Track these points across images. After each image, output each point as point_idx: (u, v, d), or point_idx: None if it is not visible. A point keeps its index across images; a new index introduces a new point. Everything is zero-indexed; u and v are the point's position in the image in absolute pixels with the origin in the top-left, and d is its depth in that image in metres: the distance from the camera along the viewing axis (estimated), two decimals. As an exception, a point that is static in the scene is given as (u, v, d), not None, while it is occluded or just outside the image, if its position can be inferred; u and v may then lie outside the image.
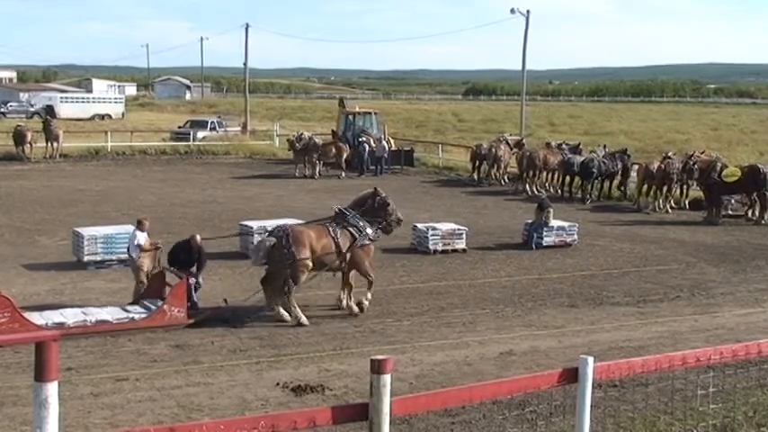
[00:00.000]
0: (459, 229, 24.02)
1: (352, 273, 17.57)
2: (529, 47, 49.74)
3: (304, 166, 40.90)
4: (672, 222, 29.83)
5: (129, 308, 16.56)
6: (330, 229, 17.42)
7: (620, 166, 35.34)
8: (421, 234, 23.73)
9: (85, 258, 20.74)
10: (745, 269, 22.37)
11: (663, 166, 32.60)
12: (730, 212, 31.36)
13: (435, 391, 8.10)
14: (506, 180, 39.04)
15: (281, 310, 16.63)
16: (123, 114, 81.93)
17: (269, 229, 19.30)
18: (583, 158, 35.15)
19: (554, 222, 24.64)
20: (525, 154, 36.96)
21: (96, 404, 11.59)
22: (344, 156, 41.35)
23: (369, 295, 17.52)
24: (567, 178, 35.73)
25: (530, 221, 24.83)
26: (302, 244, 16.78)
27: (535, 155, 36.37)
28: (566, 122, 75.19)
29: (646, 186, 33.10)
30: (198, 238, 18.02)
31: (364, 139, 43.25)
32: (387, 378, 6.27)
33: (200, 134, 53.87)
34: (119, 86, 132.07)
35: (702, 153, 34.68)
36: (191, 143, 51.30)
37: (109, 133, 50.59)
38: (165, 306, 16.08)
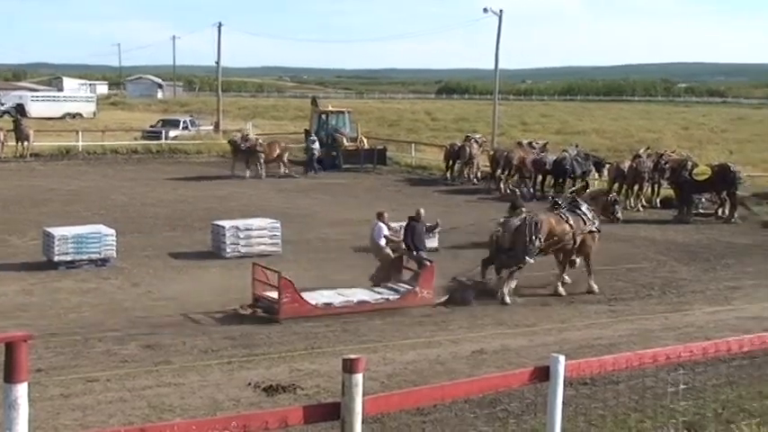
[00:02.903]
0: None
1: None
2: (502, 46, 49.83)
3: (246, 166, 39.83)
4: (643, 221, 29.98)
5: (378, 289, 18.27)
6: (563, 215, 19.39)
7: (591, 165, 35.52)
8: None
9: (56, 258, 20.58)
10: (716, 267, 22.53)
11: (634, 164, 32.78)
12: (701, 211, 31.55)
13: (407, 390, 8.10)
14: (478, 179, 39.12)
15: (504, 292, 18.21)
16: (95, 113, 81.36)
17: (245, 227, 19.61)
18: (555, 157, 35.27)
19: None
20: (501, 153, 37.03)
21: (66, 405, 11.51)
22: (287, 155, 41.11)
23: (592, 282, 19.45)
24: (540, 177, 35.85)
25: (501, 221, 24.82)
26: (543, 232, 18.57)
27: (511, 154, 36.41)
28: (538, 122, 75.40)
29: (617, 185, 33.25)
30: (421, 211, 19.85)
31: (314, 138, 43.18)
32: (359, 377, 6.27)
33: (172, 133, 53.65)
34: (90, 85, 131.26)
35: (673, 152, 34.94)
36: (162, 142, 51.12)
37: (80, 132, 50.30)
38: (416, 288, 17.87)
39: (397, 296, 17.95)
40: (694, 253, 24.32)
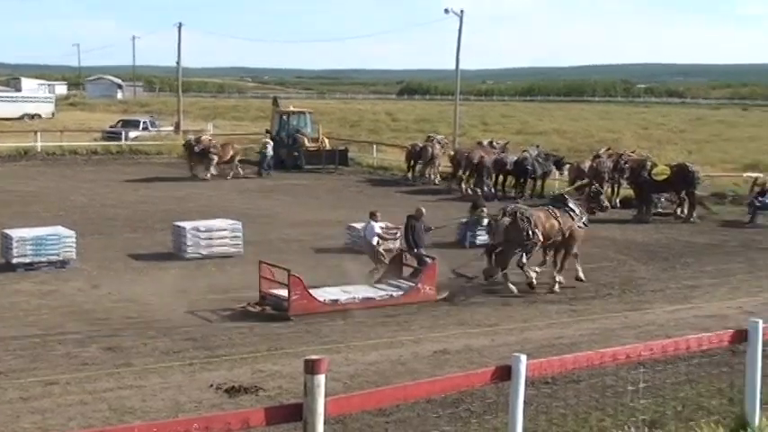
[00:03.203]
0: (393, 229, 24.04)
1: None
2: (463, 47, 49.98)
3: (196, 167, 39.62)
4: (603, 220, 30.08)
5: (380, 286, 18.65)
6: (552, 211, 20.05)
7: (552, 166, 35.75)
8: (356, 234, 23.70)
9: (14, 260, 20.37)
10: (675, 266, 22.74)
11: (594, 164, 33.00)
12: (660, 210, 31.81)
13: (369, 391, 8.11)
14: (439, 179, 39.21)
15: (509, 283, 19.15)
16: (53, 114, 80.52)
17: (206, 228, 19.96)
18: (516, 158, 35.42)
19: (485, 221, 24.77)
20: (462, 154, 37.13)
21: (26, 408, 11.40)
22: (239, 156, 40.82)
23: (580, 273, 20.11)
24: (501, 177, 35.99)
25: (464, 220, 24.96)
26: (536, 224, 19.21)
27: (472, 155, 36.49)
28: (499, 122, 75.63)
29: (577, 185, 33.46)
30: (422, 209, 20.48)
31: (267, 139, 43.04)
32: (321, 378, 6.27)
33: (132, 134, 53.32)
34: (49, 85, 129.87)
35: (633, 152, 35.22)
36: (122, 143, 50.79)
37: (39, 133, 49.79)
38: (419, 284, 18.30)
39: (400, 293, 18.38)
40: (654, 252, 24.53)
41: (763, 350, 9.22)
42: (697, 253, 24.61)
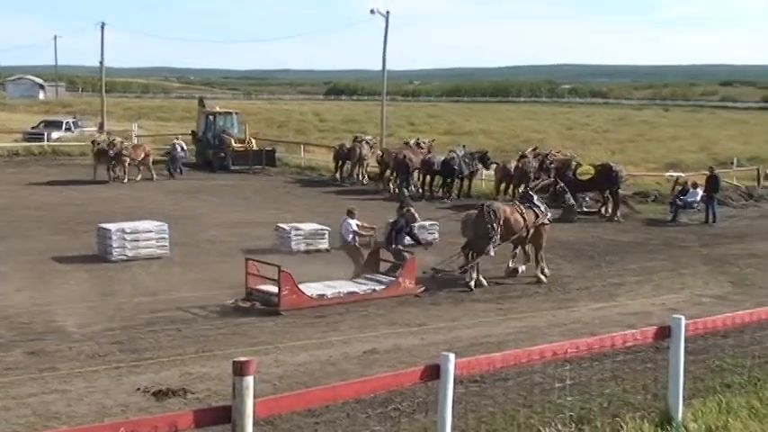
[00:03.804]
0: (321, 229, 24.08)
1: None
2: (389, 47, 50.03)
3: (112, 170, 38.76)
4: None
5: (362, 281, 19.19)
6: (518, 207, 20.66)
7: (479, 165, 35.99)
8: (284, 234, 23.66)
9: (-66, 264, 19.92)
10: (599, 264, 23.05)
11: (520, 164, 33.31)
12: (584, 209, 32.21)
13: (299, 392, 8.10)
14: (367, 179, 39.27)
15: (481, 278, 19.81)
16: (-28, 114, 79.02)
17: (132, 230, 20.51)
18: (444, 157, 35.60)
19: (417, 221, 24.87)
20: (390, 154, 37.22)
21: (-53, 415, 11.15)
22: (152, 158, 40.29)
23: (539, 273, 20.55)
24: (428, 177, 36.13)
25: (391, 220, 24.98)
26: (499, 219, 19.81)
27: (400, 155, 36.58)
28: (426, 122, 75.99)
29: (504, 185, 33.78)
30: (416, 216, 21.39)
31: (177, 141, 42.66)
32: (249, 380, 6.25)
33: (55, 135, 52.54)
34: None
35: (558, 152, 35.63)
36: (45, 144, 49.99)
37: (-43, 134, 48.80)
38: (400, 278, 18.94)
39: (382, 287, 18.88)
40: (579, 251, 24.84)
41: (686, 346, 9.40)
42: (621, 251, 24.98)
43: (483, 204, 20.72)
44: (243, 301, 17.66)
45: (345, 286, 18.81)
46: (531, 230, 20.59)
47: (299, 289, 17.60)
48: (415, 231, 21.43)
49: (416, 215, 23.56)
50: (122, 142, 40.53)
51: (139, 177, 39.05)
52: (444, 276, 20.33)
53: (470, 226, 20.22)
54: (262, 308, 17.36)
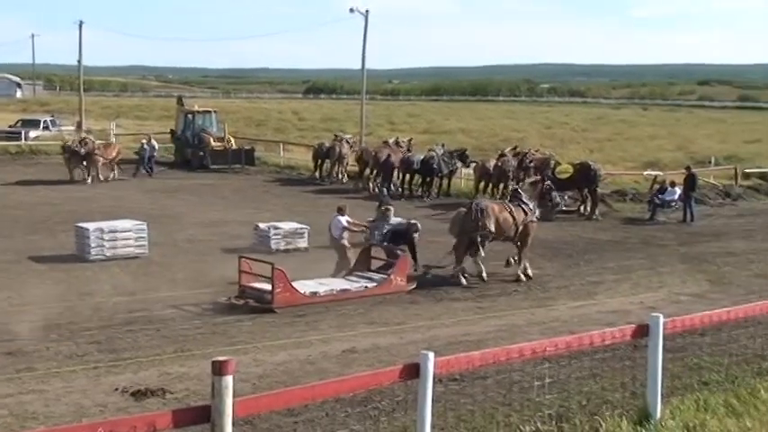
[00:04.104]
0: (300, 228, 24.07)
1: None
2: (368, 46, 50.05)
3: (84, 170, 38.38)
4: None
5: (354, 278, 19.33)
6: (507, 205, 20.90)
7: (458, 164, 36.02)
8: (263, 233, 23.62)
9: None
10: (578, 263, 23.13)
11: (499, 163, 33.38)
12: (563, 208, 32.29)
13: (278, 391, 8.08)
14: (347, 178, 39.25)
15: (461, 275, 19.96)
16: (-52, 113, 78.41)
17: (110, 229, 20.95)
18: (423, 156, 35.61)
19: (394, 220, 24.85)
20: (369, 153, 37.22)
21: (-77, 416, 11.07)
22: (119, 157, 39.98)
23: (521, 271, 20.71)
24: (408, 176, 36.14)
25: (370, 219, 24.99)
26: (489, 216, 19.95)
27: (379, 154, 36.57)
28: (405, 121, 75.97)
29: (483, 184, 33.84)
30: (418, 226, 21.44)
31: (145, 141, 42.37)
32: (228, 379, 6.23)
33: (33, 134, 52.22)
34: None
35: (537, 151, 35.74)
36: (22, 143, 49.69)
37: (-67, 133, 48.43)
38: (391, 276, 19.06)
39: (374, 284, 19.03)
40: (558, 249, 24.90)
41: (664, 344, 9.44)
42: (600, 250, 25.08)
43: (472, 202, 20.88)
44: (236, 298, 17.73)
45: (338, 284, 18.96)
46: (521, 228, 20.73)
47: (293, 286, 17.71)
48: (415, 242, 21.26)
49: (391, 215, 23.63)
50: (94, 141, 40.01)
51: (112, 177, 38.70)
52: (434, 274, 20.43)
53: (458, 224, 20.30)
54: (255, 305, 17.44)
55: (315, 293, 18.13)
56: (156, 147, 42.54)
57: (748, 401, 9.91)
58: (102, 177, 38.23)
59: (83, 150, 38.22)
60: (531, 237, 21.25)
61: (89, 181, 37.73)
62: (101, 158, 38.41)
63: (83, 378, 12.82)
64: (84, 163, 38.34)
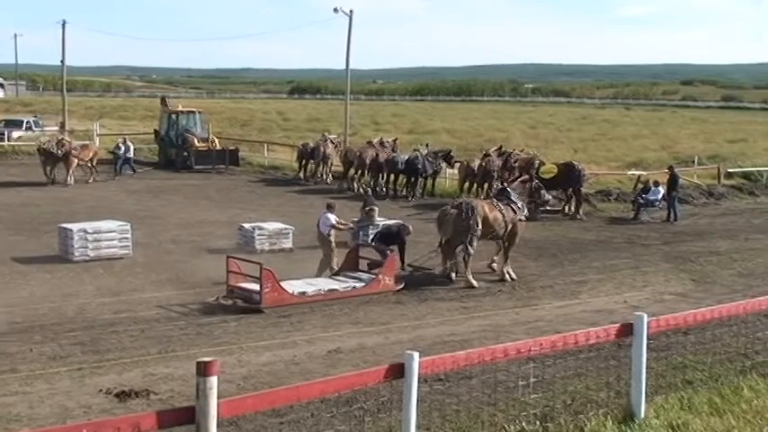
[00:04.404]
0: (285, 229, 24.05)
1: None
2: (353, 46, 50.00)
3: (57, 172, 37.68)
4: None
5: (342, 278, 19.36)
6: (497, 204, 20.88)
7: (443, 164, 36.06)
8: (247, 234, 23.59)
9: None
10: (563, 263, 23.18)
11: (483, 163, 33.41)
12: (548, 208, 32.32)
13: (262, 392, 8.07)
14: (332, 179, 39.23)
15: (453, 272, 20.09)
16: (-70, 114, 77.96)
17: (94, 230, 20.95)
18: (407, 156, 35.63)
19: (379, 220, 24.87)
20: (353, 153, 37.21)
21: None
22: (97, 158, 39.36)
23: (507, 270, 20.81)
24: (392, 176, 36.15)
25: (355, 219, 24.99)
26: (479, 215, 19.96)
27: (364, 154, 36.57)
28: (390, 121, 75.91)
29: (467, 184, 33.87)
30: (410, 229, 21.35)
31: (121, 142, 42.09)
32: (213, 380, 6.22)
33: (15, 134, 51.96)
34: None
35: (522, 151, 35.79)
36: (5, 143, 49.45)
37: None
38: (380, 276, 19.13)
39: (362, 284, 19.08)
40: (542, 249, 24.95)
41: (648, 343, 9.48)
42: (584, 249, 25.13)
43: (462, 202, 20.84)
44: (224, 298, 17.71)
45: (326, 284, 18.97)
46: (510, 227, 20.79)
47: (281, 286, 17.72)
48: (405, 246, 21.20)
49: (376, 215, 23.66)
50: (71, 143, 39.34)
51: (91, 179, 38.18)
52: (419, 274, 20.49)
53: (450, 224, 20.18)
54: (243, 306, 17.44)
55: (303, 293, 18.14)
56: (132, 147, 41.99)
57: (732, 400, 9.96)
58: (71, 180, 37.32)
59: (60, 152, 37.54)
60: (519, 236, 21.33)
61: (70, 182, 37.23)
62: (76, 160, 37.70)
63: (67, 379, 12.77)
64: (62, 164, 37.63)
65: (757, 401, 9.90)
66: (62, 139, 40.23)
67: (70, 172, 37.53)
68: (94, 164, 38.77)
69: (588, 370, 11.46)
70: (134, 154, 42.19)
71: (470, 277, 19.95)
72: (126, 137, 43.90)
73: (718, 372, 11.33)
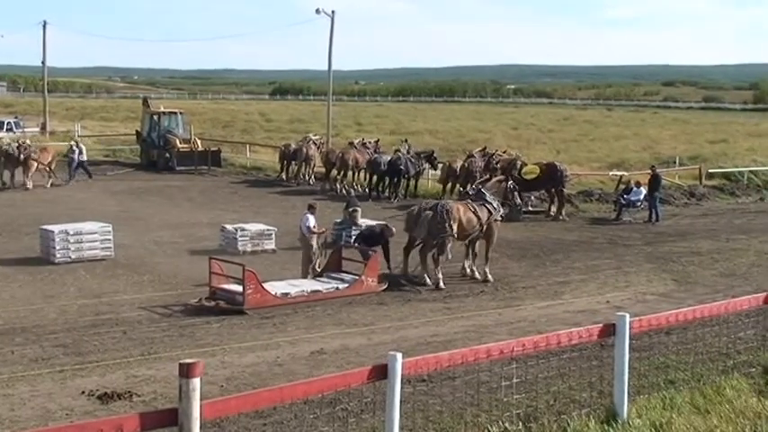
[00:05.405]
0: (268, 230, 24.01)
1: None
2: (335, 47, 49.99)
3: (15, 175, 36.75)
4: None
5: (325, 280, 19.35)
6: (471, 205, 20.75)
7: (426, 165, 36.08)
8: (230, 235, 23.53)
9: None
10: (545, 263, 23.22)
11: (466, 164, 33.44)
12: (530, 209, 32.41)
13: (246, 393, 8.06)
14: (314, 180, 39.19)
15: (425, 275, 20.02)
16: None
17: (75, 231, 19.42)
18: (390, 157, 35.63)
19: (362, 221, 24.87)
20: (336, 154, 37.21)
21: None
22: (56, 161, 38.12)
23: (487, 270, 20.82)
24: (375, 177, 36.14)
25: (338, 221, 24.98)
26: (454, 218, 19.88)
27: (346, 155, 36.56)
28: (372, 122, 75.99)
29: (450, 184, 33.90)
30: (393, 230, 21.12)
31: (73, 144, 41.13)
32: (196, 382, 6.21)
33: (-4, 135, 51.69)
34: None
35: (504, 152, 35.84)
36: (-15, 145, 49.11)
37: None
38: (362, 276, 19.17)
39: (345, 285, 19.09)
40: (525, 249, 25.00)
41: (630, 344, 9.51)
42: (566, 250, 25.19)
43: (437, 204, 20.73)
44: (207, 300, 17.66)
45: (309, 285, 18.95)
46: (485, 227, 20.76)
47: (264, 288, 17.69)
48: (389, 246, 21.08)
49: (359, 216, 23.65)
50: (31, 146, 38.11)
51: (50, 183, 37.06)
52: (394, 275, 20.50)
53: (424, 225, 20.11)
54: (226, 307, 17.39)
55: (286, 295, 18.11)
56: (85, 150, 40.42)
57: (714, 399, 10.01)
58: (29, 184, 36.08)
59: (22, 155, 36.41)
60: (496, 236, 21.35)
61: (29, 186, 36.04)
62: (36, 163, 36.61)
63: (49, 382, 12.71)
64: (27, 166, 36.37)
65: (739, 401, 9.95)
66: (24, 141, 38.89)
67: (29, 175, 36.45)
68: (53, 167, 37.55)
69: (571, 370, 11.48)
70: (116, 157, 41.60)
71: (440, 276, 19.90)
72: (78, 140, 42.50)
73: (701, 371, 11.38)
